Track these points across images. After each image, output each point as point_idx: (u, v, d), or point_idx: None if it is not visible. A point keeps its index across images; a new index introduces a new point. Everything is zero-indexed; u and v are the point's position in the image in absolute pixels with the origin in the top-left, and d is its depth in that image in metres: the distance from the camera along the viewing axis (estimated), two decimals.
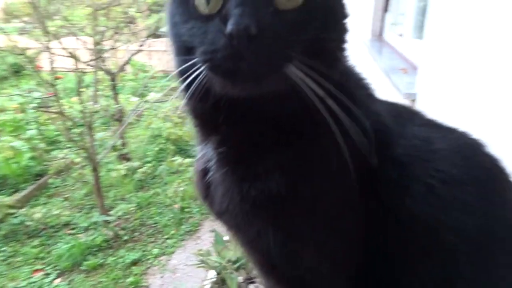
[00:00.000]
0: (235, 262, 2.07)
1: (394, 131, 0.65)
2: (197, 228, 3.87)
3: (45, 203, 4.32)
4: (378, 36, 3.48)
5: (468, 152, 0.66)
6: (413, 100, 1.93)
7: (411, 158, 0.63)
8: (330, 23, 0.58)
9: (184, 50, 0.57)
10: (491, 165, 0.67)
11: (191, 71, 0.54)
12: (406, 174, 0.62)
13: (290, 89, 0.53)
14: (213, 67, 0.52)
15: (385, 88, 2.53)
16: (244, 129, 0.62)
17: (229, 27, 0.48)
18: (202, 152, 0.70)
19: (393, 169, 0.62)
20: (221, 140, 0.64)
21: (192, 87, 0.55)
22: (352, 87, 0.62)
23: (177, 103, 5.65)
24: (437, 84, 1.68)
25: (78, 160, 3.98)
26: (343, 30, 0.62)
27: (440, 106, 1.64)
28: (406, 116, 0.71)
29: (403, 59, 2.66)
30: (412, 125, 0.68)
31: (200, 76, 0.53)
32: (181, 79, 0.58)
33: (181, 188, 3.78)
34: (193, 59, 0.54)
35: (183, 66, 0.56)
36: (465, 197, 0.61)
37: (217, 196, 0.68)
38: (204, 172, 0.70)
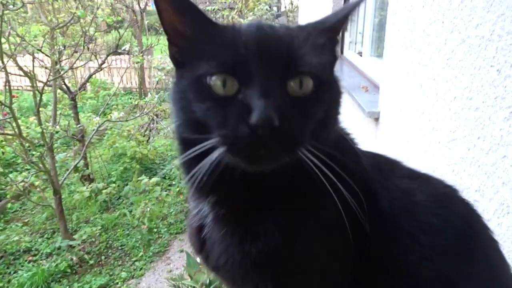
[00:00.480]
0: (208, 285, 2.07)
1: (379, 184, 0.71)
2: (166, 248, 3.81)
3: (3, 229, 4.11)
4: (338, 54, 3.61)
5: (445, 202, 0.73)
6: (377, 119, 2.03)
7: (395, 209, 0.68)
8: (333, 104, 0.66)
9: (197, 129, 0.58)
10: (466, 211, 0.74)
11: (203, 148, 0.56)
12: (392, 225, 0.68)
13: (294, 162, 0.58)
14: (233, 150, 0.55)
15: (349, 106, 2.63)
16: (243, 193, 0.65)
17: (254, 119, 0.52)
18: (197, 209, 0.71)
19: (380, 220, 0.67)
20: (218, 200, 0.67)
21: (203, 164, 0.57)
22: (342, 149, 0.66)
23: (141, 121, 5.60)
24: (399, 102, 1.78)
25: (38, 183, 3.82)
26: (340, 106, 0.69)
27: (403, 124, 1.73)
28: (387, 168, 0.76)
29: (363, 77, 2.78)
30: (394, 177, 0.73)
31: (217, 156, 0.55)
32: (188, 154, 0.59)
33: (148, 208, 3.72)
34: (208, 138, 0.56)
35: (198, 148, 0.57)
36: (445, 244, 0.68)
37: (214, 252, 0.70)
38: (200, 228, 0.72)
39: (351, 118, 2.63)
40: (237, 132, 0.54)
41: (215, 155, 0.55)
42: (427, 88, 1.48)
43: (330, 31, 0.65)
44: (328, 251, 0.66)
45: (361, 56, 3.10)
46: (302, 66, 0.58)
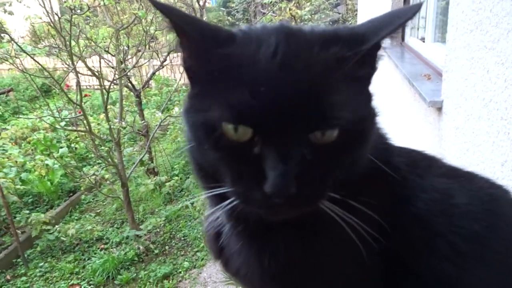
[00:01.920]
0: None
1: (413, 184, 0.64)
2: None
3: (78, 219, 4.46)
4: (399, 41, 3.44)
5: (490, 205, 0.63)
6: (439, 108, 1.91)
7: (431, 213, 0.61)
8: (365, 143, 0.56)
9: (210, 173, 0.57)
10: None
11: (217, 192, 0.54)
12: (427, 230, 0.61)
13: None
14: (248, 206, 0.53)
15: (408, 96, 2.50)
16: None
17: (269, 188, 0.47)
18: (213, 216, 0.67)
19: (413, 224, 0.61)
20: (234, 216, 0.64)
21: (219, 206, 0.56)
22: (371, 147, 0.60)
23: None
24: (463, 90, 1.65)
25: (107, 176, 4.08)
26: (373, 134, 0.60)
27: (468, 114, 1.61)
28: (423, 165, 0.69)
29: (426, 64, 2.62)
30: (431, 176, 0.66)
31: (231, 202, 0.54)
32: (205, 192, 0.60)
33: None
34: (223, 187, 0.54)
35: (212, 191, 0.56)
36: (488, 254, 0.60)
37: (233, 261, 0.68)
38: (217, 235, 0.70)
39: (410, 109, 2.49)
40: (251, 195, 0.50)
41: (229, 200, 0.53)
42: (494, 74, 1.36)
43: (373, 51, 0.54)
44: (351, 261, 0.61)
45: (423, 42, 2.92)
46: (331, 120, 0.49)
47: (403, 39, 3.45)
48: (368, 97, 0.58)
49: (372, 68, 0.57)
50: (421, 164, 0.69)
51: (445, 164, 0.72)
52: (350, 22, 7.42)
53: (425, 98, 1.97)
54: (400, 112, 2.79)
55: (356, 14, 7.02)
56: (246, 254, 0.65)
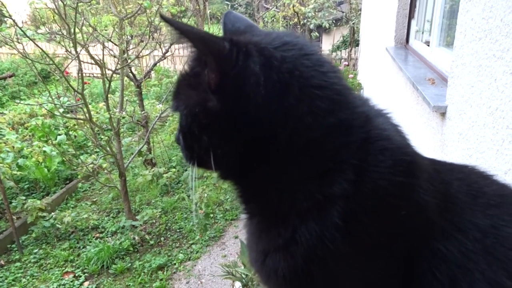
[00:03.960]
0: None
1: (444, 223, 0.57)
2: (221, 234, 3.92)
3: (74, 207, 4.46)
4: (403, 44, 3.45)
5: None
6: (443, 113, 1.92)
7: (469, 254, 0.56)
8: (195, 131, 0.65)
9: None
10: None
11: None
12: (462, 270, 0.56)
13: None
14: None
15: (412, 100, 2.51)
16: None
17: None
18: None
19: (443, 265, 0.56)
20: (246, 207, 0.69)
21: None
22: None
23: None
24: (469, 97, 1.66)
25: (105, 165, 4.08)
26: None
27: (473, 121, 1.62)
28: (462, 193, 0.61)
29: (430, 68, 2.63)
30: (474, 210, 0.59)
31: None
32: None
33: (206, 194, 3.83)
34: None
35: None
36: None
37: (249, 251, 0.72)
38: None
39: (412, 112, 2.51)
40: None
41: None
42: (502, 83, 1.37)
43: None
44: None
45: (428, 46, 2.93)
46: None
47: (407, 41, 3.45)
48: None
49: None
50: (456, 191, 0.61)
51: (499, 184, 0.64)
52: (353, 22, 7.42)
53: (429, 103, 1.98)
54: (401, 114, 2.80)
55: (360, 13, 7.01)
56: (253, 249, 0.67)
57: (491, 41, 1.46)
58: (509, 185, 0.66)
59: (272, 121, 0.56)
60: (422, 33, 3.26)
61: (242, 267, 2.24)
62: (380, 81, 4.26)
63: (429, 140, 2.18)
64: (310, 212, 0.56)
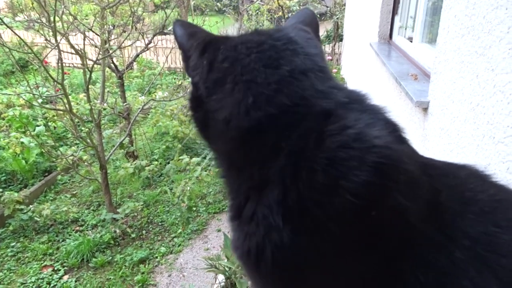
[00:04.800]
0: None
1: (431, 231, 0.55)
2: (204, 227, 3.90)
3: (53, 199, 4.37)
4: (387, 39, 3.48)
5: None
6: (425, 109, 1.95)
7: (461, 263, 0.54)
8: None
9: None
10: None
11: None
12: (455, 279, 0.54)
13: None
14: None
15: (395, 95, 2.54)
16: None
17: None
18: None
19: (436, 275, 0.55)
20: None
21: None
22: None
23: (184, 101, 5.70)
24: (451, 92, 1.69)
25: (86, 157, 4.01)
26: None
27: (454, 116, 1.65)
28: (453, 201, 0.58)
29: (413, 64, 2.66)
30: (464, 217, 0.57)
31: None
32: None
33: (188, 187, 3.81)
34: None
35: None
36: None
37: None
38: None
39: (395, 107, 2.54)
40: None
41: None
42: (483, 79, 1.40)
43: None
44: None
45: (411, 42, 2.96)
46: None
47: (391, 37, 3.49)
48: None
49: None
50: (448, 194, 0.59)
51: (498, 188, 0.62)
52: (338, 17, 7.45)
53: (412, 98, 2.00)
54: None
55: (344, 8, 7.04)
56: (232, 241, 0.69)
57: (473, 38, 1.49)
58: (508, 188, 0.64)
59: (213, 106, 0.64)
60: (405, 29, 3.30)
61: (226, 260, 2.23)
62: (363, 76, 4.30)
63: (412, 135, 2.21)
64: (253, 194, 0.60)
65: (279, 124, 0.58)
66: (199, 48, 0.70)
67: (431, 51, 2.38)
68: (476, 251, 0.54)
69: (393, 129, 0.63)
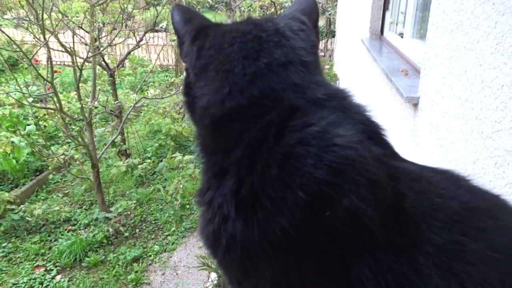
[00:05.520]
0: None
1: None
2: (197, 225, 3.89)
3: (45, 199, 4.34)
4: (378, 35, 3.48)
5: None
6: (415, 104, 1.95)
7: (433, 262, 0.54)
8: None
9: None
10: None
11: None
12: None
13: None
14: None
15: (386, 91, 2.54)
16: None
17: None
18: None
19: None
20: None
21: None
22: None
23: (176, 99, 5.67)
24: (441, 88, 1.69)
25: (77, 156, 3.98)
26: None
27: (444, 111, 1.65)
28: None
29: (404, 60, 2.67)
30: (436, 225, 0.55)
31: None
32: None
33: (181, 185, 3.79)
34: None
35: None
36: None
37: None
38: None
39: (386, 103, 2.54)
40: None
41: None
42: (472, 74, 1.40)
43: None
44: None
45: (402, 37, 2.96)
46: None
47: (382, 32, 3.49)
48: None
49: None
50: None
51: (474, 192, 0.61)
52: (330, 13, 7.44)
53: (402, 94, 2.00)
54: (376, 105, 2.84)
55: (336, 4, 7.04)
56: None
57: (462, 33, 1.49)
58: (487, 193, 0.63)
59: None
60: (396, 24, 3.30)
61: None
62: (355, 72, 4.30)
63: (402, 130, 2.22)
64: (214, 181, 0.61)
65: (247, 115, 0.60)
66: (192, 35, 0.71)
67: (422, 47, 2.38)
68: (441, 259, 0.52)
69: (368, 130, 0.60)
